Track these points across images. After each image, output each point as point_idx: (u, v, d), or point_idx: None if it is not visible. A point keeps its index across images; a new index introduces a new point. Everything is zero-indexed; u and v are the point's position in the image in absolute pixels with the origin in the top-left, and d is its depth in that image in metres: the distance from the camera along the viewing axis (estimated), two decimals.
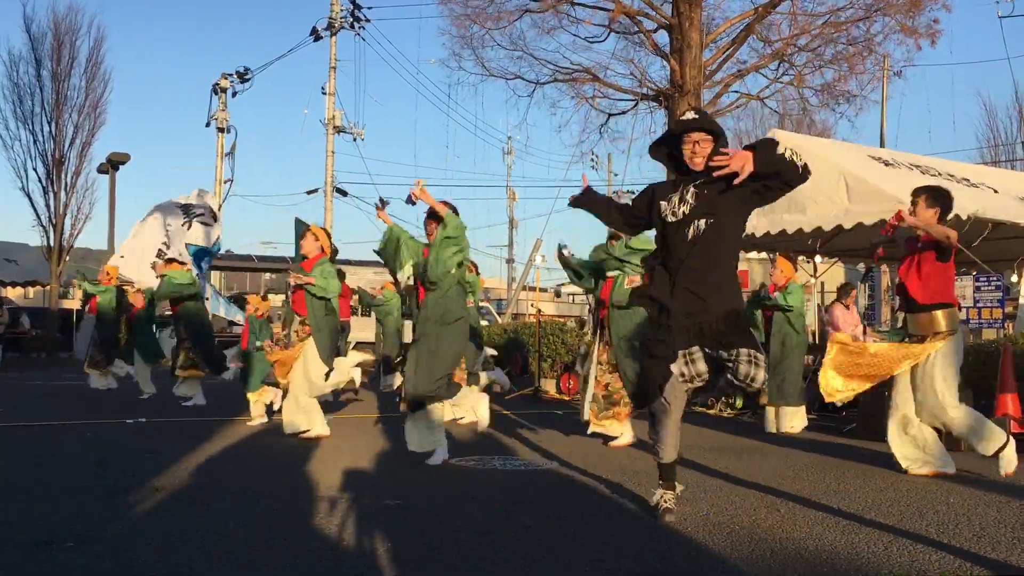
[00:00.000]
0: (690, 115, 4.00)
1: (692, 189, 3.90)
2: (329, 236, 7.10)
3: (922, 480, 5.13)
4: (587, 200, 4.42)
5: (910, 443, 5.39)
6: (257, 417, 7.68)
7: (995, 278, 10.11)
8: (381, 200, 6.71)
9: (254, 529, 3.69)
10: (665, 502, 3.97)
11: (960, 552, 3.41)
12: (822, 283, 13.73)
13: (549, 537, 3.61)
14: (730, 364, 3.76)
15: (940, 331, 5.18)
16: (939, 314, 5.18)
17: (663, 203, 3.96)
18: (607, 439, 6.59)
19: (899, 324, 5.75)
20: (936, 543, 3.54)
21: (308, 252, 6.89)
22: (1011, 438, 5.21)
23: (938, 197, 5.32)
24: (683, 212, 3.88)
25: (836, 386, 5.56)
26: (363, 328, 16.76)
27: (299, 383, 6.79)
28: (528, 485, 4.88)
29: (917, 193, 5.43)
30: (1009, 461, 5.13)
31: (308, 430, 6.75)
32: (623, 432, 6.61)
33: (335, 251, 7.11)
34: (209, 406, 9.03)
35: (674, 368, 3.82)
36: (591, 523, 3.90)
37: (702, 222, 3.84)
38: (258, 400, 7.74)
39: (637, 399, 6.59)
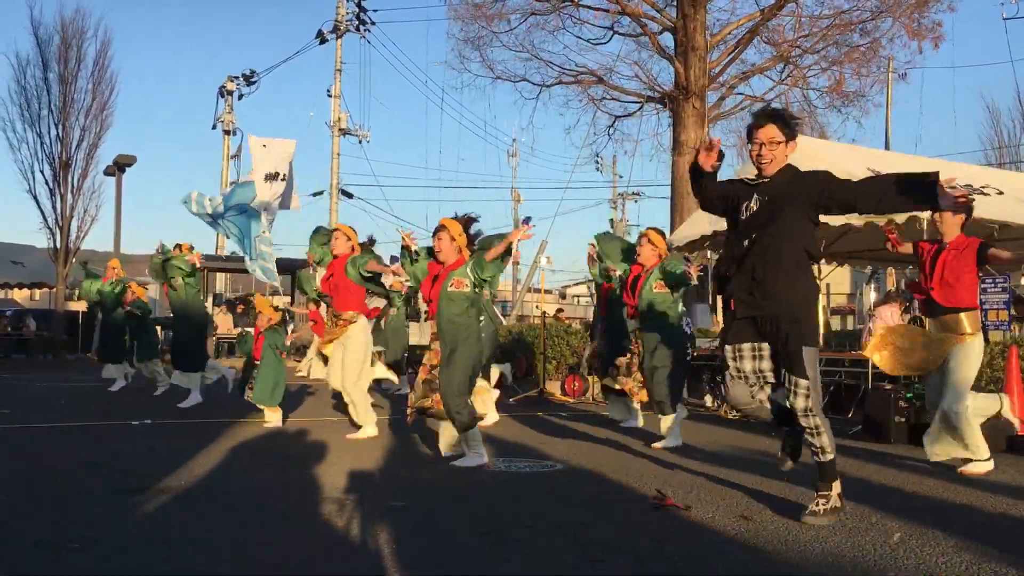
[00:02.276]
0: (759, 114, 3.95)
1: (756, 196, 3.87)
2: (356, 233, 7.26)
3: (928, 483, 5.12)
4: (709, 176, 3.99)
5: (949, 439, 5.50)
6: (273, 417, 7.65)
7: (1001, 280, 10.08)
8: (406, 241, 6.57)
9: (259, 530, 3.69)
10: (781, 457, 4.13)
11: (966, 554, 3.40)
12: (827, 284, 13.71)
13: (551, 537, 3.61)
14: (788, 388, 3.84)
15: (965, 332, 5.34)
16: (964, 316, 5.35)
17: (743, 207, 3.91)
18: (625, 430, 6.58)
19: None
20: (942, 546, 3.53)
21: (339, 251, 7.08)
22: (991, 461, 5.45)
23: (970, 216, 5.46)
24: (751, 219, 3.86)
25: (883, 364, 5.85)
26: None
27: (343, 375, 6.87)
28: (531, 486, 4.87)
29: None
30: (973, 470, 5.39)
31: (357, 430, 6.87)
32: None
33: (371, 241, 7.31)
34: (213, 407, 9.03)
35: (730, 363, 3.96)
36: (593, 524, 3.90)
37: (762, 230, 3.82)
38: (274, 411, 7.68)
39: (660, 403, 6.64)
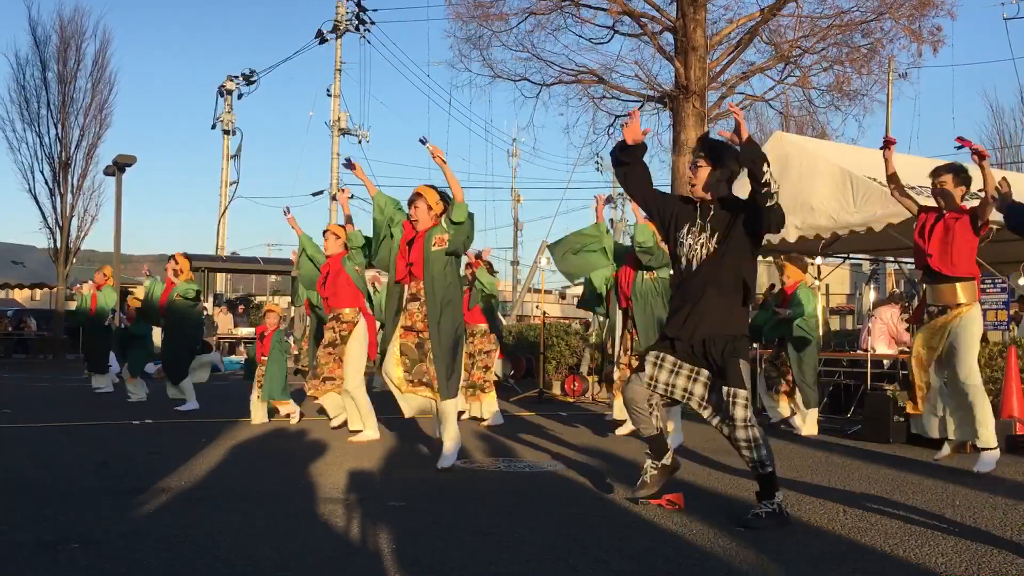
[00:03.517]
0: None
1: (699, 222, 4.00)
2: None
3: (928, 483, 5.13)
4: (636, 160, 4.19)
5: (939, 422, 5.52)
6: (292, 412, 7.86)
7: (1000, 281, 10.08)
8: (348, 161, 6.28)
9: (259, 530, 3.69)
10: (644, 472, 4.21)
11: (965, 554, 3.41)
12: (827, 285, 13.71)
13: (552, 537, 3.61)
14: (726, 401, 3.91)
15: (961, 303, 5.33)
16: (959, 286, 5.34)
17: (683, 230, 4.04)
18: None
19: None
20: (942, 545, 3.54)
21: (331, 251, 7.08)
22: (998, 450, 5.37)
23: (962, 174, 5.48)
24: (690, 242, 4.00)
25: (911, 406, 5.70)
26: None
27: (345, 376, 6.84)
28: (532, 486, 4.88)
29: (940, 173, 5.52)
30: (987, 463, 5.32)
31: (359, 429, 6.82)
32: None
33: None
34: (213, 407, 9.04)
35: (647, 368, 4.05)
36: (595, 524, 3.90)
37: (708, 252, 3.95)
38: (286, 404, 7.85)
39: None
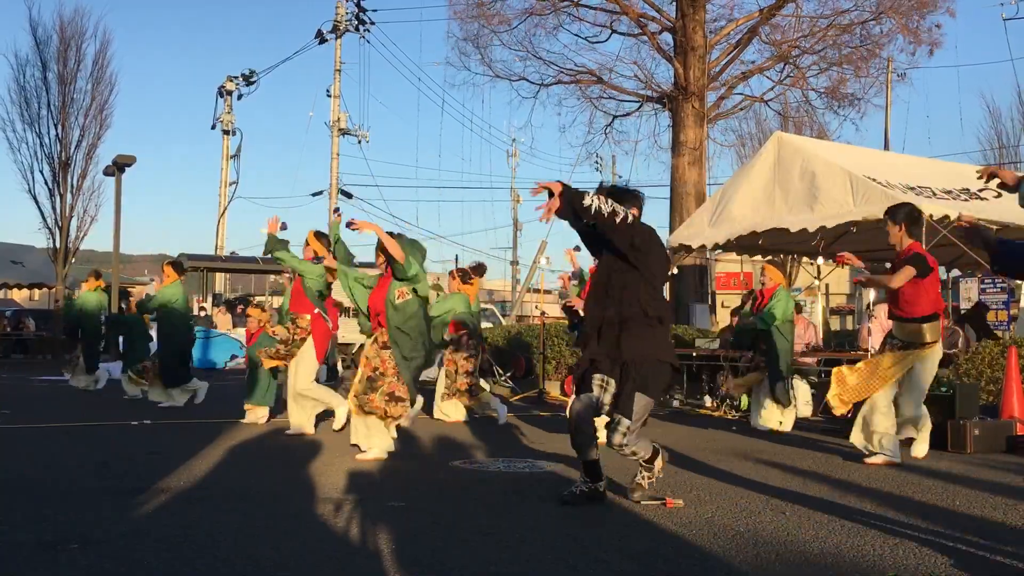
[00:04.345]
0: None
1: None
2: (320, 237, 7.26)
3: (928, 483, 5.13)
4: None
5: (866, 432, 5.88)
6: (260, 418, 7.75)
7: (1000, 281, 10.10)
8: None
9: (259, 530, 3.69)
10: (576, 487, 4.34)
11: (966, 554, 3.41)
12: (827, 284, 13.71)
13: (553, 538, 3.61)
14: (613, 420, 4.15)
15: (925, 341, 5.70)
16: (925, 326, 5.70)
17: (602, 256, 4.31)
18: None
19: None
20: (942, 546, 3.54)
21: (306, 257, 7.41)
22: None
23: (912, 216, 5.84)
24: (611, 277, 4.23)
25: (839, 402, 6.04)
26: (350, 329, 16.76)
27: (292, 380, 6.99)
28: (532, 486, 4.87)
29: (889, 219, 5.86)
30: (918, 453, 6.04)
31: (304, 433, 6.97)
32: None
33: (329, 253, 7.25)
34: (213, 407, 9.04)
35: (596, 390, 4.25)
36: (595, 524, 3.90)
37: (618, 293, 4.18)
38: (255, 410, 7.79)
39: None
